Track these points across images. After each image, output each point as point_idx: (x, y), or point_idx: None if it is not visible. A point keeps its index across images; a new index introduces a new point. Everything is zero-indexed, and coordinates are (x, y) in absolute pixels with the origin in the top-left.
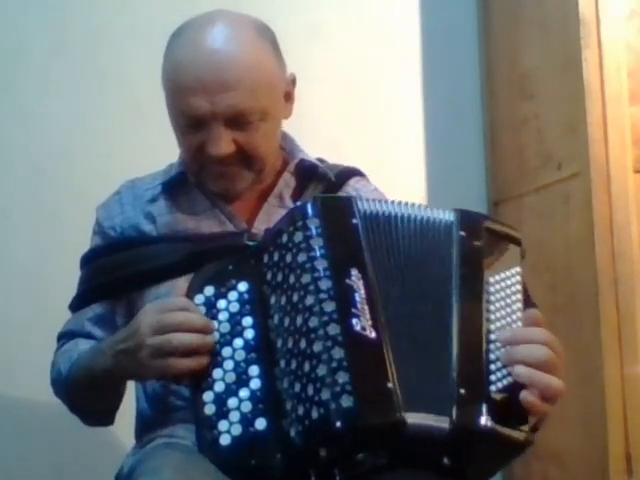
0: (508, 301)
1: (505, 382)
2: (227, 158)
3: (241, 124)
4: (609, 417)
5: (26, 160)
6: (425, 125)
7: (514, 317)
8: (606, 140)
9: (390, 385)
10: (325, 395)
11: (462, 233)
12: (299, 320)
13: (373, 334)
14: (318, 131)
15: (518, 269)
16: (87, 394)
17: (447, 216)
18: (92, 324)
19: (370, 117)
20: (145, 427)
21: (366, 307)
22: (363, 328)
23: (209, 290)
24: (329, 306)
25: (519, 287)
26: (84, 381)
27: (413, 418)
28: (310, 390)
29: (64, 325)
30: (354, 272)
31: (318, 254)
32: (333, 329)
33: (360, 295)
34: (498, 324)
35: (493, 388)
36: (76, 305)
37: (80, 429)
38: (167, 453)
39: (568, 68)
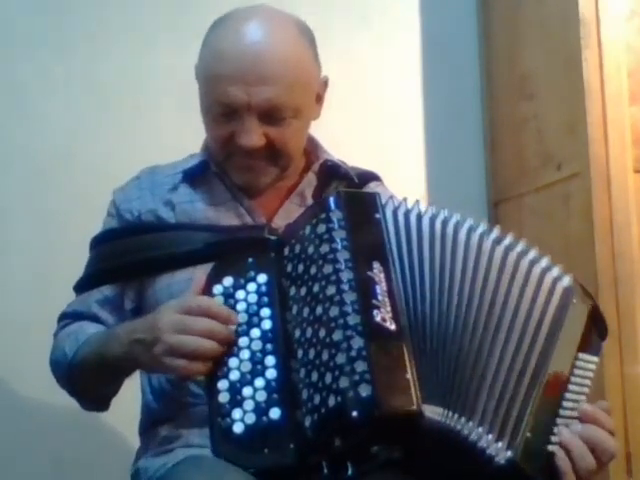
0: (584, 382)
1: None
2: (256, 151)
3: (274, 119)
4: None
5: (26, 160)
6: (425, 125)
7: (582, 397)
8: (606, 140)
9: (409, 376)
10: (343, 383)
11: (574, 300)
12: (319, 310)
13: (393, 326)
14: (318, 131)
15: (597, 360)
16: (92, 378)
17: (561, 274)
18: (99, 306)
19: (370, 117)
20: (152, 422)
21: (387, 299)
22: (383, 319)
23: (228, 281)
24: (350, 296)
25: (592, 375)
26: (92, 365)
27: (431, 411)
28: (328, 378)
29: (67, 305)
30: (376, 265)
31: (340, 246)
32: (353, 319)
33: (381, 287)
34: (570, 395)
35: (549, 447)
36: (83, 286)
37: (80, 427)
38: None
39: (568, 68)
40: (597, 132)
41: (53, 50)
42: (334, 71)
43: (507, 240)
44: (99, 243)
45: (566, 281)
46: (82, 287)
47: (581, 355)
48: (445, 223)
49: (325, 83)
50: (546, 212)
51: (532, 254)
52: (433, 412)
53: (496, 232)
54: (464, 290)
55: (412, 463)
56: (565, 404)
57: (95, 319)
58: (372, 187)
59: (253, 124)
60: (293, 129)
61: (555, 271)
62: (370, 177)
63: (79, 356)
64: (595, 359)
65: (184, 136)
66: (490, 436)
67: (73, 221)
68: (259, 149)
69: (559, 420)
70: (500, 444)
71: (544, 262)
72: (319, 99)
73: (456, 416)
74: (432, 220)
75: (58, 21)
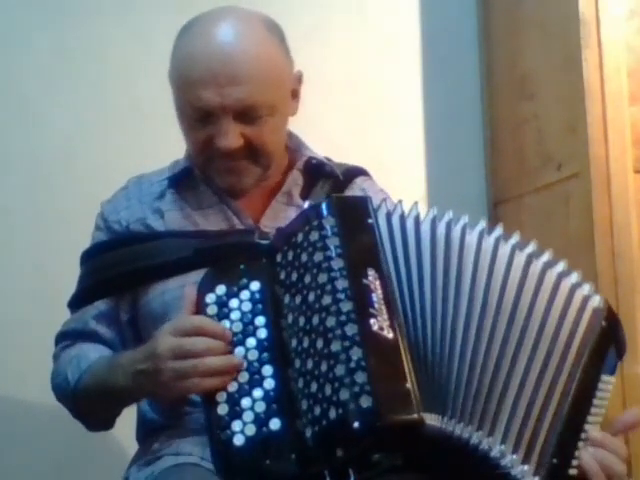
0: (602, 403)
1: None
2: (235, 152)
3: (250, 118)
4: (609, 417)
5: (27, 161)
6: (425, 125)
7: (600, 419)
8: (606, 140)
9: (409, 386)
10: (344, 395)
11: (604, 323)
12: (315, 320)
13: (390, 334)
14: (318, 131)
15: (614, 380)
16: (97, 406)
17: (592, 292)
18: (96, 322)
19: (370, 117)
20: (148, 431)
21: (383, 307)
22: (381, 328)
23: (221, 289)
24: (346, 306)
25: (609, 396)
26: (96, 394)
27: (435, 420)
28: (328, 390)
29: (64, 324)
30: (371, 272)
31: (334, 254)
32: (351, 329)
33: (377, 295)
34: (591, 418)
35: (570, 472)
36: (78, 302)
37: (80, 430)
38: None
39: (568, 68)
40: (597, 132)
41: (53, 50)
42: (334, 71)
43: (530, 248)
44: (89, 257)
45: (597, 301)
46: (76, 303)
47: (603, 377)
48: (449, 226)
49: (299, 78)
50: (546, 212)
51: (560, 266)
52: (438, 421)
53: (515, 238)
54: (475, 297)
55: (421, 470)
56: (586, 427)
57: (94, 335)
58: (359, 183)
59: (229, 125)
60: (270, 127)
61: (586, 288)
62: (356, 172)
63: (82, 384)
64: (613, 379)
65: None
66: (515, 456)
67: (74, 222)
68: (238, 150)
69: (580, 444)
70: (527, 467)
71: (574, 277)
72: (295, 95)
73: (470, 428)
74: (433, 223)
75: (59, 21)
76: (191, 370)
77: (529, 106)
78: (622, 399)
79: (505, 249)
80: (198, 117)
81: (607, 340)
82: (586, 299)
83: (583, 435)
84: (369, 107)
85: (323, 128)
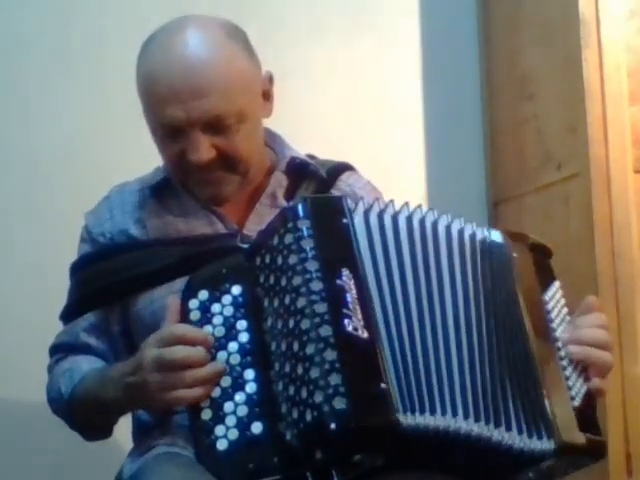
0: (561, 313)
1: (582, 392)
2: (209, 164)
3: (219, 128)
4: (609, 417)
5: (26, 161)
6: (425, 126)
7: (565, 326)
8: (606, 140)
9: (384, 386)
10: (318, 398)
11: (515, 255)
12: (291, 322)
13: (365, 334)
14: (318, 131)
15: (557, 282)
16: (91, 418)
17: (493, 235)
18: (87, 334)
19: (370, 117)
20: (142, 430)
21: (358, 307)
22: (355, 329)
23: (203, 294)
24: (321, 308)
25: (561, 296)
26: (91, 406)
27: (409, 419)
28: (304, 393)
29: (56, 337)
30: (345, 272)
31: (309, 255)
32: (325, 331)
33: (352, 295)
34: (560, 342)
35: (575, 403)
36: (68, 315)
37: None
38: (167, 471)
39: (568, 68)
40: (597, 132)
41: (53, 50)
42: (334, 71)
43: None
44: (77, 270)
45: (496, 237)
46: (67, 316)
47: (546, 296)
48: (423, 220)
49: (269, 79)
50: (546, 212)
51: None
52: (414, 419)
53: (460, 222)
54: (456, 288)
55: (425, 469)
56: (562, 353)
57: (86, 347)
58: (344, 179)
59: (199, 138)
60: (242, 134)
61: (491, 233)
62: (341, 169)
63: (76, 397)
64: (556, 284)
65: None
66: (534, 437)
67: (74, 222)
68: (212, 161)
69: (568, 371)
70: (544, 440)
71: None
72: (267, 96)
73: (481, 422)
74: (409, 219)
75: (59, 21)
76: (177, 381)
77: (529, 106)
78: (622, 399)
79: (466, 235)
80: (167, 133)
81: (527, 264)
82: (490, 241)
83: (564, 362)
84: (369, 107)
85: (323, 128)
